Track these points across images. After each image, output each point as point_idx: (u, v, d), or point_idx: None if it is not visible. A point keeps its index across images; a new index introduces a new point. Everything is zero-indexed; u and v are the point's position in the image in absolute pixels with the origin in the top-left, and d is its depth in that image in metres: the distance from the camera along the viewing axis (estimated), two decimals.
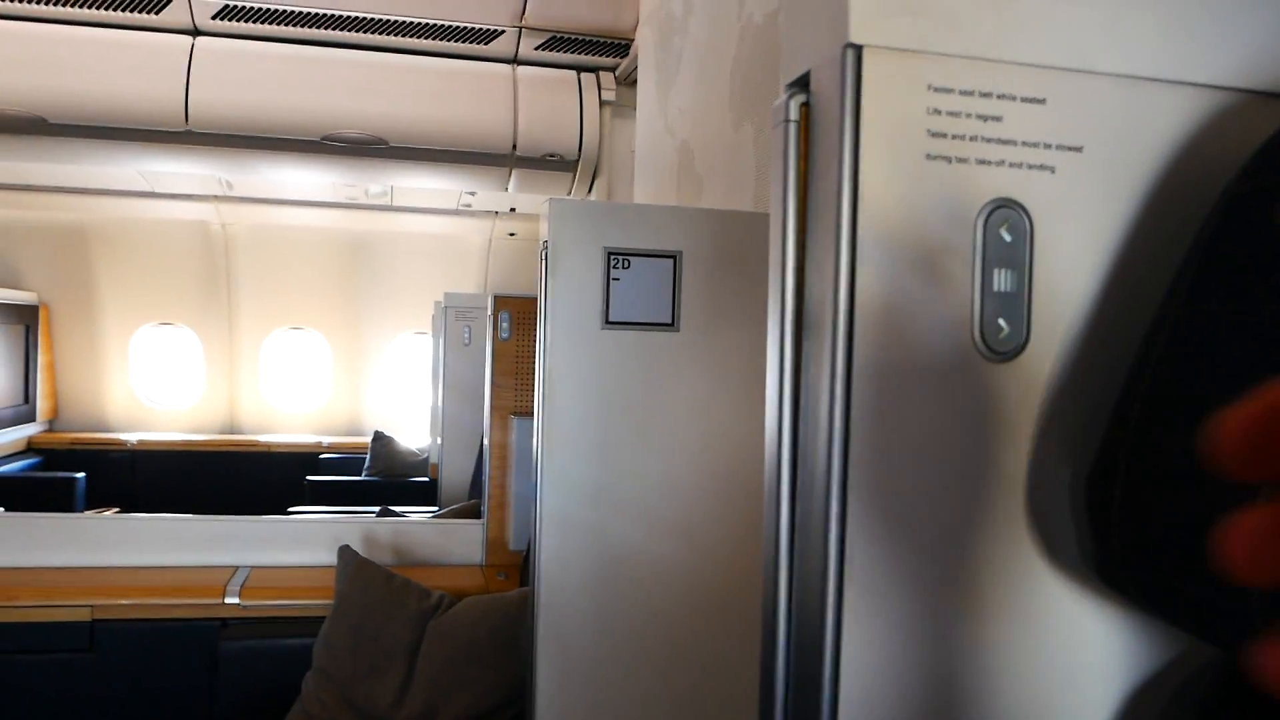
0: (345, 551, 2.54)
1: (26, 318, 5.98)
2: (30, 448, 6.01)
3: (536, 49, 4.12)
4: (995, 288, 0.57)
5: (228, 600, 2.57)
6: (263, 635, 2.58)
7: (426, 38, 4.05)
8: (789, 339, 0.60)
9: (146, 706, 2.54)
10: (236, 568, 2.75)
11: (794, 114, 0.59)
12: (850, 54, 0.55)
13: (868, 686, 0.57)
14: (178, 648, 2.55)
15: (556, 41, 4.04)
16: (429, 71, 4.15)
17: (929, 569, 0.58)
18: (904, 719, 0.57)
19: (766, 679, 0.62)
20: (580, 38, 4.02)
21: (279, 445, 6.38)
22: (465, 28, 3.96)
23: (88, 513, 4.46)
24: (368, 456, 5.65)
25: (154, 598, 2.56)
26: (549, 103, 4.19)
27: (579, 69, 4.28)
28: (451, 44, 4.09)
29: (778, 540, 0.61)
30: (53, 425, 6.40)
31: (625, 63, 4.06)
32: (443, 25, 3.96)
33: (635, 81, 3.65)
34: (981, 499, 0.58)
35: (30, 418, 6.02)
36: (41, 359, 6.16)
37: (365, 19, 3.93)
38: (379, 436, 5.72)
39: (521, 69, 4.23)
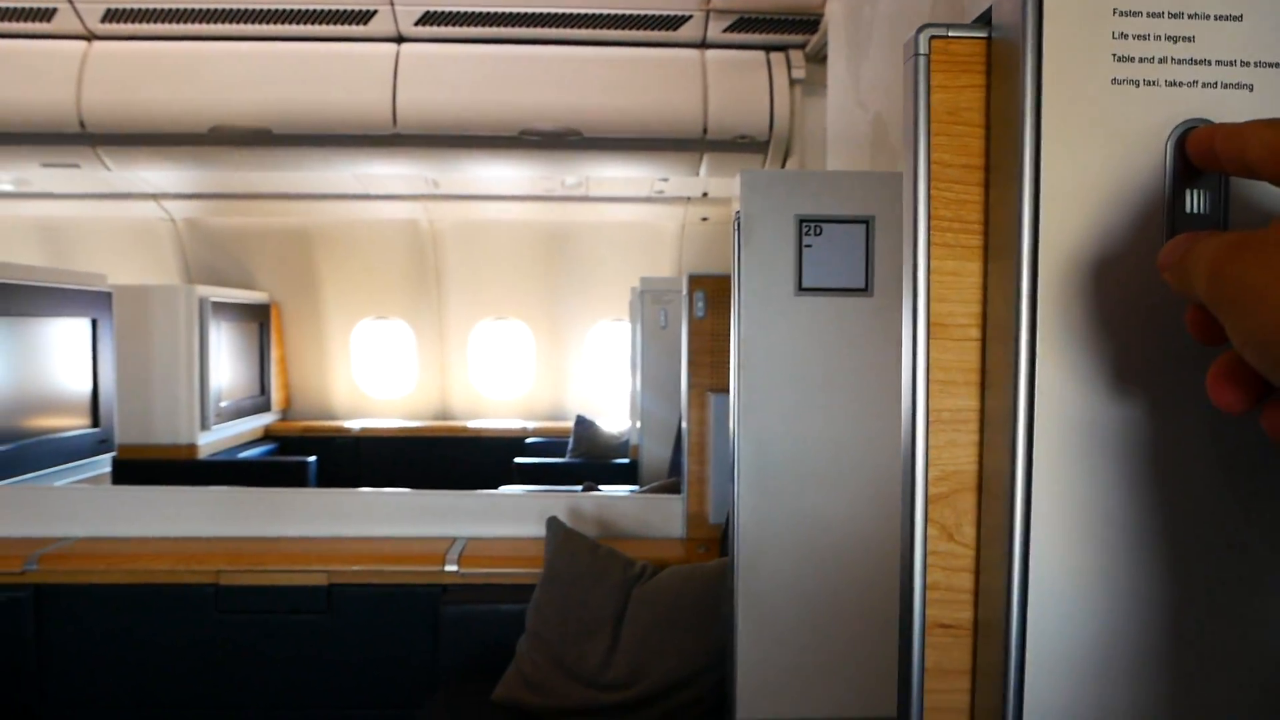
0: (553, 523, 2.66)
1: (260, 316, 6.50)
2: (267, 435, 6.55)
3: (724, 31, 4.14)
4: (1188, 209, 0.57)
5: (447, 568, 2.74)
6: (479, 601, 2.74)
7: (616, 28, 4.14)
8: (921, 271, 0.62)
9: (377, 663, 2.74)
10: (455, 538, 2.93)
11: (924, 48, 0.61)
12: None
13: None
14: (404, 610, 2.74)
15: (744, 22, 4.05)
16: (619, 61, 4.24)
17: (1122, 509, 0.58)
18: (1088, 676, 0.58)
19: (904, 629, 0.64)
20: (768, 17, 4.01)
21: (488, 430, 6.69)
22: (653, 15, 4.03)
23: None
24: (571, 440, 5.85)
25: (382, 565, 2.76)
26: (738, 84, 4.20)
27: (767, 49, 4.27)
28: (640, 32, 4.16)
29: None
30: (286, 414, 6.93)
31: (814, 39, 4.03)
32: (631, 15, 4.04)
33: (825, 58, 3.62)
34: (1180, 430, 0.58)
35: (266, 407, 6.55)
36: (274, 353, 6.69)
37: (557, 15, 4.05)
38: (581, 420, 5.91)
39: (710, 52, 4.26)
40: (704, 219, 6.43)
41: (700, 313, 2.92)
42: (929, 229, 0.63)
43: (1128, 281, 0.57)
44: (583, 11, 4.06)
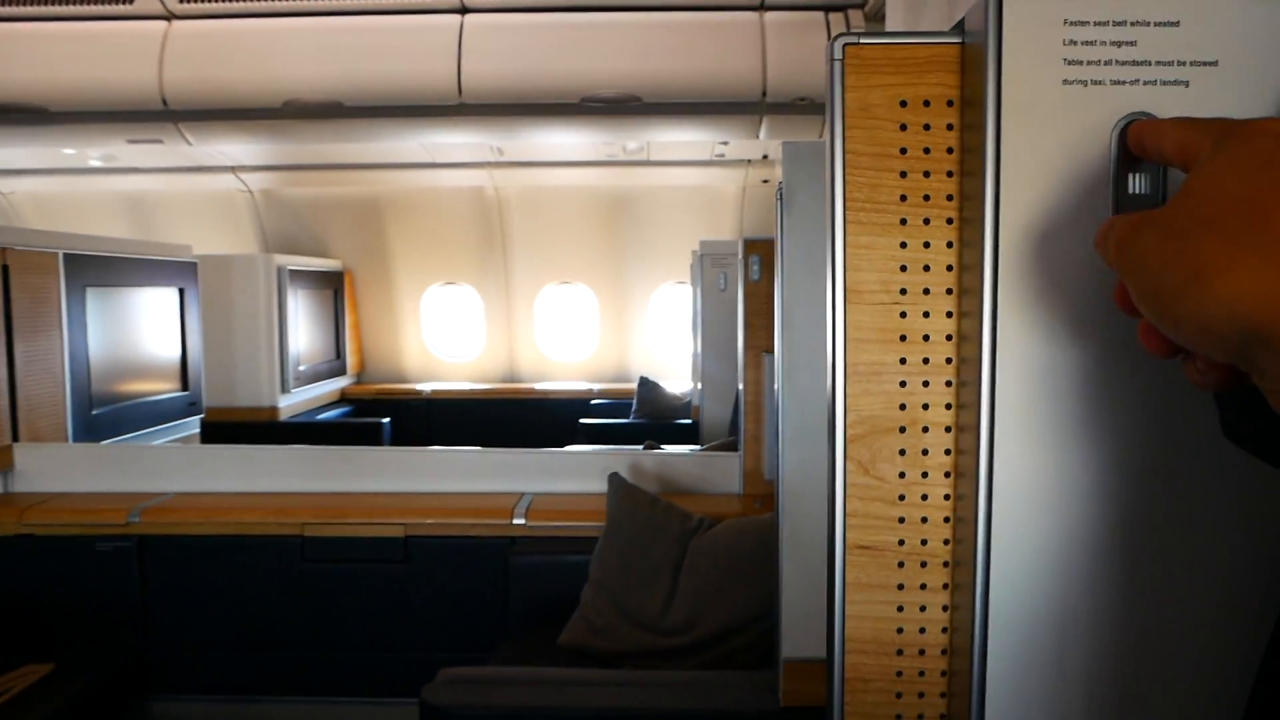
0: (615, 478, 2.80)
1: (334, 283, 6.73)
2: (343, 398, 6.79)
3: None
4: (1130, 190, 0.66)
5: (516, 521, 2.90)
6: (546, 552, 2.89)
7: None
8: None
9: (451, 609, 2.92)
10: (522, 494, 3.08)
11: (838, 54, 0.73)
12: (991, 1, 0.66)
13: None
14: (475, 560, 2.91)
15: None
16: (677, 26, 4.29)
17: (1076, 433, 0.69)
18: None
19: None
20: None
21: (554, 392, 6.86)
22: None
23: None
24: (634, 401, 5.99)
25: (455, 518, 2.93)
26: (797, 46, 4.23)
27: (826, 9, 4.28)
28: None
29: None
30: (360, 378, 7.18)
31: None
32: None
33: (884, 16, 3.65)
34: (1120, 372, 0.69)
35: (341, 371, 6.80)
36: (348, 319, 6.92)
37: None
38: (644, 382, 6.04)
39: (768, 14, 4.29)
40: (764, 181, 6.47)
41: (755, 276, 3.02)
42: (845, 209, 0.75)
43: (1072, 251, 0.68)
44: None
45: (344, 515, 2.95)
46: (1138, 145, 0.60)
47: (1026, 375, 0.69)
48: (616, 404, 6.37)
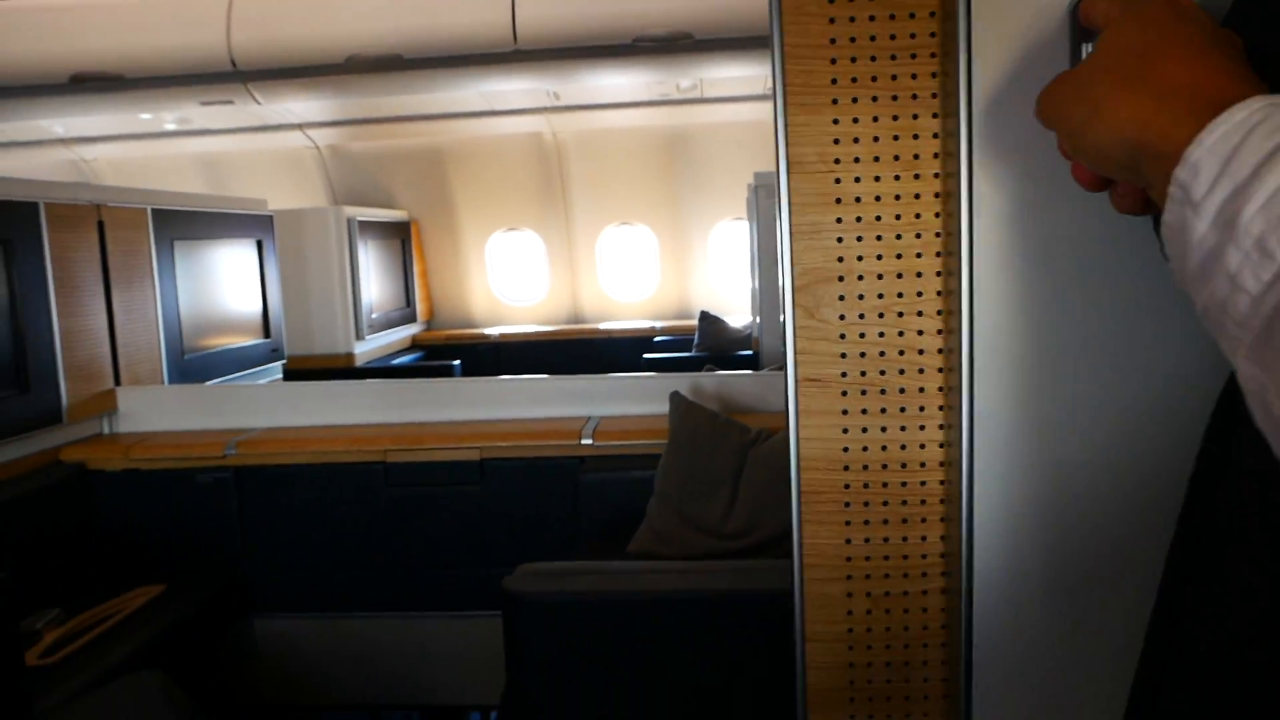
0: (675, 396, 2.94)
1: (401, 233, 6.93)
2: (415, 344, 7.03)
3: None
4: (1084, 58, 0.77)
5: (584, 441, 3.06)
6: (613, 469, 3.05)
7: None
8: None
9: (525, 526, 3.10)
10: (589, 417, 3.24)
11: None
12: None
13: None
14: (547, 480, 3.08)
15: None
16: None
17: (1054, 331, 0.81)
18: None
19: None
20: None
21: (618, 331, 7.02)
22: None
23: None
24: (696, 335, 6.12)
25: (527, 440, 3.10)
26: None
27: None
28: None
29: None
30: (430, 324, 7.41)
31: None
32: None
33: None
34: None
35: (412, 319, 7.03)
36: (416, 268, 7.13)
37: None
38: (705, 316, 6.16)
39: None
40: None
41: None
42: (785, 93, 0.88)
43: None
44: None
45: (423, 441, 3.14)
46: (1086, 18, 0.71)
47: (1000, 223, 0.81)
48: (679, 340, 6.51)
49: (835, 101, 0.88)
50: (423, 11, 4.51)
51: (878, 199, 0.89)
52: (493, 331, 7.18)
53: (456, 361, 5.98)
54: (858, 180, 0.89)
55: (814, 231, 0.91)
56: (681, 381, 3.22)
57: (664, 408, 2.98)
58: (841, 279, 0.91)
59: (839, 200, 0.90)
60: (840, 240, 0.90)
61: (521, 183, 7.07)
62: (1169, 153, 0.53)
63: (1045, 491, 0.85)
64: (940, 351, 0.90)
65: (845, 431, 0.94)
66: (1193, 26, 0.58)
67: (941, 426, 0.92)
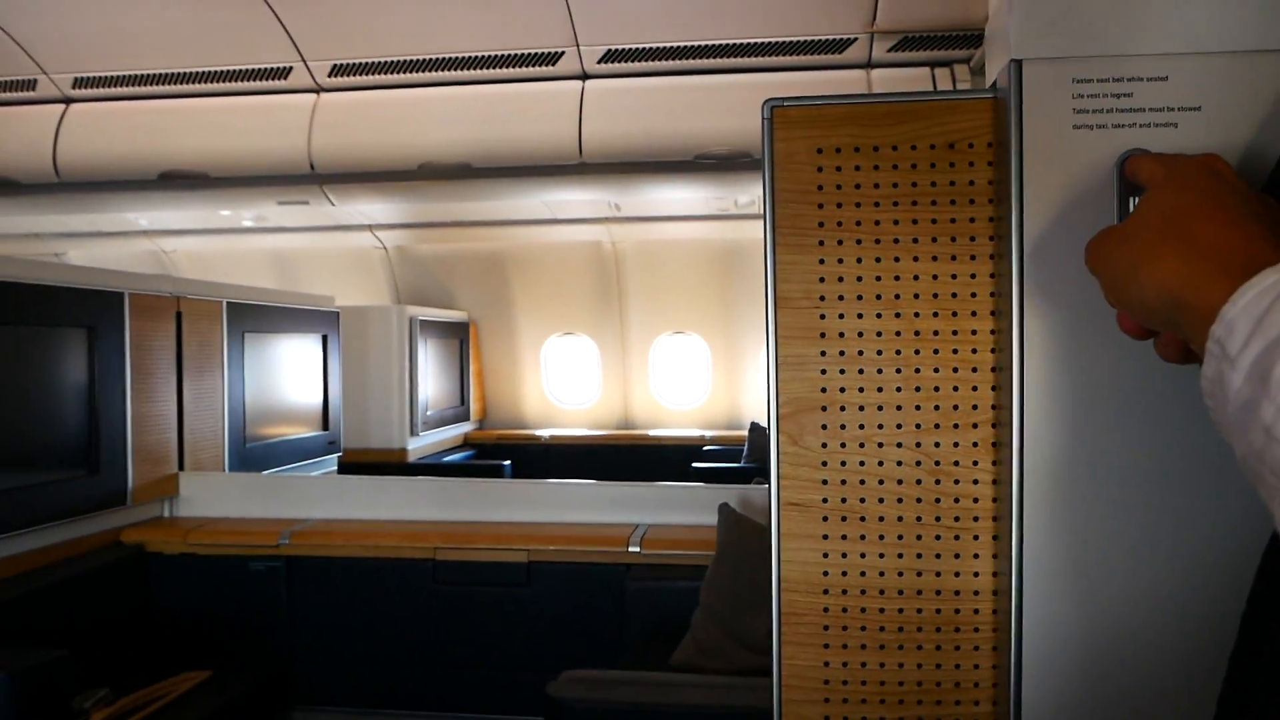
0: (725, 509, 2.96)
1: (460, 333, 7.09)
2: (467, 442, 7.12)
3: (889, 51, 4.29)
4: (1131, 211, 0.82)
5: (631, 549, 3.09)
6: (659, 578, 3.07)
7: (784, 54, 4.38)
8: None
9: (572, 631, 3.11)
10: (637, 525, 3.27)
11: (767, 114, 0.95)
12: (1013, 66, 0.84)
13: None
14: (594, 585, 3.10)
15: (908, 41, 4.20)
16: (788, 85, 4.46)
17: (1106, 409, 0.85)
18: None
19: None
20: (931, 34, 4.13)
21: (667, 438, 7.05)
22: (820, 40, 4.25)
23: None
24: (746, 446, 6.13)
25: (575, 545, 3.13)
26: None
27: (932, 64, 4.39)
28: (808, 57, 4.39)
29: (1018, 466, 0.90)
30: (482, 423, 7.50)
31: (978, 53, 4.15)
32: (799, 41, 4.28)
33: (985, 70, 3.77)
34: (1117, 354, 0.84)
35: (466, 417, 7.13)
36: (472, 368, 7.26)
37: (728, 45, 4.34)
38: (755, 427, 6.18)
39: (875, 71, 4.44)
40: None
41: None
42: (774, 233, 0.94)
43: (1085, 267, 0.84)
44: (752, 41, 4.33)
45: (472, 541, 3.19)
46: (1132, 174, 0.77)
47: (1050, 364, 0.86)
48: (729, 450, 6.52)
49: (821, 243, 0.95)
50: (493, 124, 4.70)
51: (860, 334, 0.95)
52: (544, 433, 7.24)
53: (507, 461, 6.04)
54: (841, 316, 0.95)
55: (799, 363, 0.96)
56: (730, 493, 3.24)
57: (712, 518, 3.00)
58: (824, 408, 0.96)
59: (822, 335, 0.95)
60: (824, 372, 0.96)
61: (579, 289, 7.21)
62: (1205, 310, 0.58)
63: (1086, 632, 0.87)
64: (959, 482, 0.94)
65: (825, 556, 0.97)
66: (1229, 192, 0.64)
67: (938, 555, 0.95)
